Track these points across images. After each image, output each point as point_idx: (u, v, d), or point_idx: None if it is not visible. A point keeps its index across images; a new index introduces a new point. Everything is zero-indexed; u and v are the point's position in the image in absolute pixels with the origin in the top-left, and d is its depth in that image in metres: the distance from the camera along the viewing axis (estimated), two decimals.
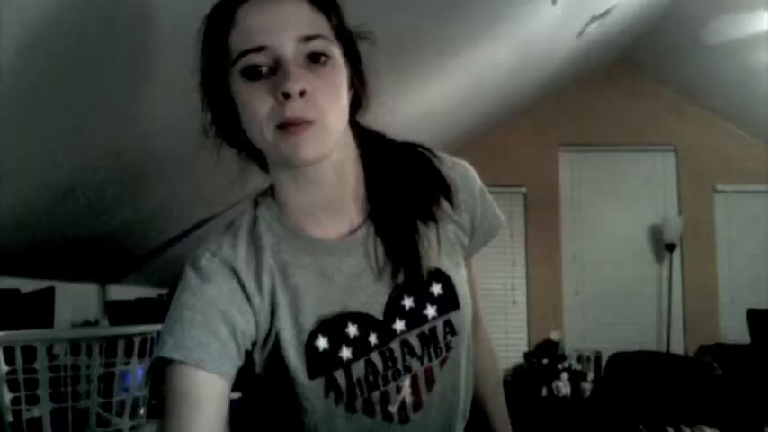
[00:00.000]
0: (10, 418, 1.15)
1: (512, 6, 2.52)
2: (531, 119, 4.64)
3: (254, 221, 0.82)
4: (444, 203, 0.84)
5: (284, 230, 0.80)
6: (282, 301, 0.78)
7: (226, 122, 0.78)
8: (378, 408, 0.79)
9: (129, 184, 1.84)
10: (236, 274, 0.77)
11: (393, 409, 0.80)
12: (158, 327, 1.30)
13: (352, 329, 0.78)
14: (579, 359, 4.34)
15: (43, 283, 1.92)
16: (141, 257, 2.54)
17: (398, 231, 0.80)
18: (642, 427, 2.99)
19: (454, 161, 0.89)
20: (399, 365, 0.80)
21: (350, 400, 0.78)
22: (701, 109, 4.73)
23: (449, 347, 0.82)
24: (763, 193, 4.66)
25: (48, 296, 1.88)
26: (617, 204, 4.74)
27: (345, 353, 0.78)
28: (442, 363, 0.82)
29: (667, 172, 4.79)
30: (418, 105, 2.91)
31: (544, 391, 4.10)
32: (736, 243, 4.69)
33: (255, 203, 0.83)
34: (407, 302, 0.80)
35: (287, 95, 0.69)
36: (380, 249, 0.80)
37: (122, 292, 2.62)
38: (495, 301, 4.51)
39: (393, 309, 0.80)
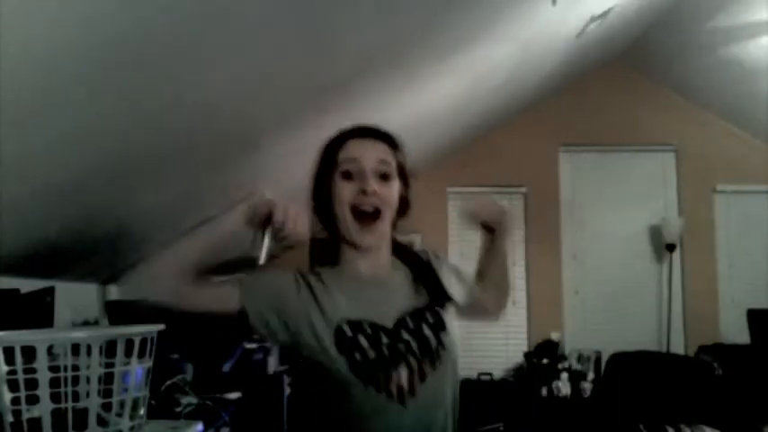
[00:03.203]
0: (10, 418, 1.15)
1: (511, 6, 2.52)
2: (531, 119, 4.64)
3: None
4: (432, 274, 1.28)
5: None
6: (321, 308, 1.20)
7: (322, 208, 1.24)
8: (383, 386, 1.12)
9: (129, 184, 1.85)
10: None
11: (393, 389, 1.12)
12: (158, 327, 1.30)
13: (367, 329, 1.16)
14: (579, 359, 4.33)
15: (43, 283, 1.92)
16: (141, 257, 2.54)
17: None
18: (642, 427, 2.99)
19: (436, 255, 1.34)
20: (399, 359, 1.14)
21: (365, 376, 1.12)
22: (701, 109, 4.72)
23: (439, 356, 1.16)
24: (763, 193, 4.66)
25: (48, 296, 1.88)
26: (617, 204, 4.74)
27: (363, 342, 1.15)
28: (433, 365, 1.15)
29: (667, 172, 4.79)
30: (418, 105, 2.91)
31: (544, 391, 4.10)
32: (736, 243, 4.69)
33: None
34: (410, 322, 1.19)
35: (362, 191, 1.18)
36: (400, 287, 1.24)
37: (122, 292, 2.62)
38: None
39: (400, 323, 1.18)
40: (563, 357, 4.32)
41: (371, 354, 1.13)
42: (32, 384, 1.13)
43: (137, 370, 1.25)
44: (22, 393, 1.14)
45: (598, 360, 4.22)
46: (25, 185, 1.48)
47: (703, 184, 4.71)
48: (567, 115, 4.70)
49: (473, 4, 2.20)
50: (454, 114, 3.61)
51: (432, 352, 1.17)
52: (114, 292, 2.60)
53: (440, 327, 1.20)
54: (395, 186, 1.23)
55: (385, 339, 1.16)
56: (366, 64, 2.10)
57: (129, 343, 1.23)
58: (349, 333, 1.15)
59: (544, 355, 4.30)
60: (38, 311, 1.83)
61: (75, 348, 1.22)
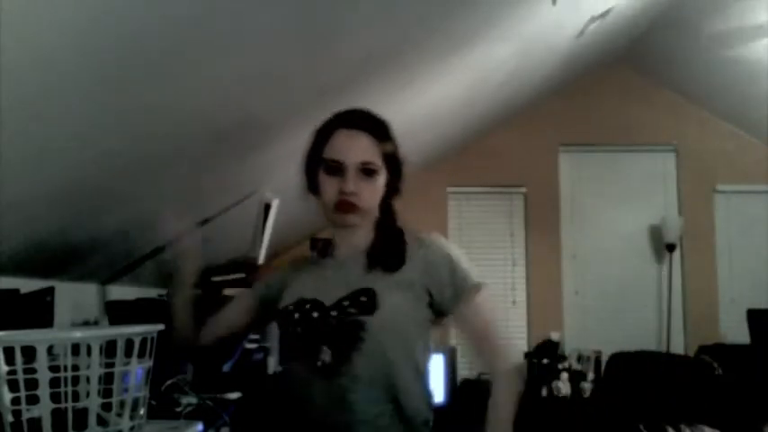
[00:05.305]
0: (10, 418, 1.15)
1: (511, 6, 2.52)
2: (531, 119, 4.63)
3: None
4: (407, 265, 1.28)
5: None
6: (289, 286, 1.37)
7: (312, 187, 1.33)
8: (310, 358, 1.22)
9: (128, 184, 1.84)
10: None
11: (318, 364, 1.21)
12: (158, 327, 1.30)
13: (307, 307, 1.26)
14: (579, 359, 4.33)
15: (43, 283, 1.91)
16: (141, 257, 2.54)
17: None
18: (642, 426, 2.99)
19: (428, 242, 1.31)
20: (326, 335, 1.22)
21: (294, 348, 1.27)
22: (701, 109, 4.72)
23: (362, 339, 1.20)
24: (763, 193, 4.65)
25: (48, 296, 1.88)
26: (617, 204, 4.74)
27: (297, 318, 1.26)
28: (357, 348, 1.20)
29: (667, 172, 4.79)
30: (419, 105, 2.91)
31: (544, 391, 4.10)
32: (736, 243, 4.69)
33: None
34: (346, 303, 1.23)
35: (342, 192, 1.25)
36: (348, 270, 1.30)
37: (122, 292, 2.62)
38: (495, 301, 4.49)
39: (337, 304, 1.24)
40: (563, 357, 4.32)
41: (300, 330, 1.25)
42: (32, 384, 1.13)
43: (137, 370, 1.25)
44: (22, 393, 1.13)
45: (598, 360, 4.22)
46: (25, 185, 1.48)
47: (703, 184, 4.71)
48: (566, 115, 4.70)
49: (473, 5, 2.20)
50: (454, 114, 3.61)
51: (353, 334, 1.20)
52: (114, 292, 2.60)
53: (367, 310, 1.21)
54: (378, 181, 1.27)
55: (317, 318, 1.24)
56: (366, 64, 2.10)
57: (129, 343, 1.23)
58: (291, 309, 1.27)
59: (544, 355, 4.30)
60: (38, 311, 1.83)
61: (76, 348, 1.22)
